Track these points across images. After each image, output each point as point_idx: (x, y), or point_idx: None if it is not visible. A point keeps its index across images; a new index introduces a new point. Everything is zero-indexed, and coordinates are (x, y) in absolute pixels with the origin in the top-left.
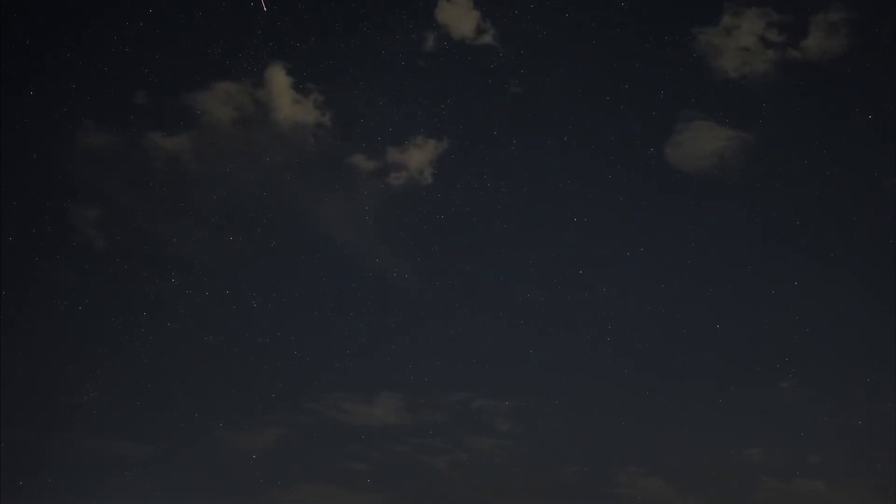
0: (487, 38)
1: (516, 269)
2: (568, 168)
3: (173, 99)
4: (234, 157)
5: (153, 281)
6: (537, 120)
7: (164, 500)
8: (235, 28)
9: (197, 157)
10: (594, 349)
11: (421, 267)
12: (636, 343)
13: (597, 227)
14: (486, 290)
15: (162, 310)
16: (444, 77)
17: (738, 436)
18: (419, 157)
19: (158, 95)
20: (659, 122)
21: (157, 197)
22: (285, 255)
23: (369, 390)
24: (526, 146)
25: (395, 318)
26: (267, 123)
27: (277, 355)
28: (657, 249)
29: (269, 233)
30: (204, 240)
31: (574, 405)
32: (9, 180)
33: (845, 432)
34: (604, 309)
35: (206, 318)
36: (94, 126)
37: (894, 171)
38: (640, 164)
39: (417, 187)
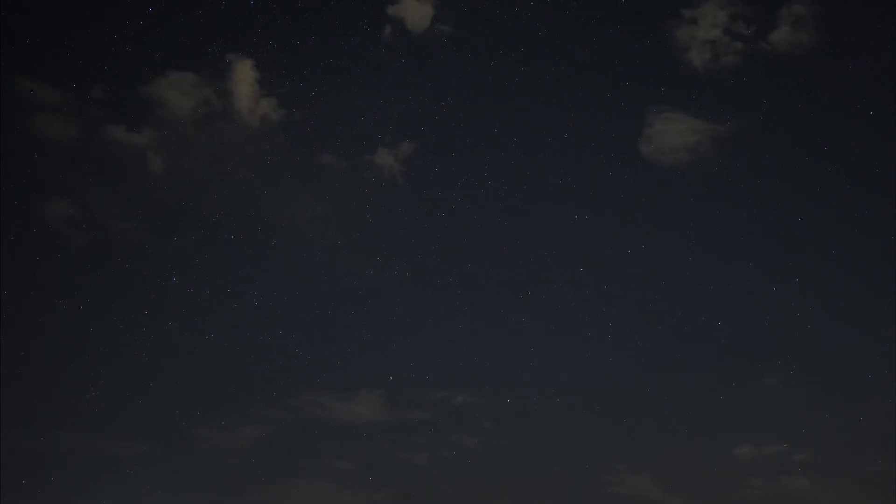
0: (450, 29)
1: (516, 267)
2: (568, 166)
3: (132, 93)
4: (200, 154)
5: (120, 278)
6: (533, 117)
7: (162, 500)
8: (203, 24)
9: (162, 154)
10: (593, 347)
11: (420, 266)
12: (637, 341)
13: (597, 225)
14: (484, 289)
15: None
16: (415, 74)
17: (736, 434)
18: (397, 156)
19: (121, 89)
20: (648, 117)
21: (123, 193)
22: (260, 255)
23: (362, 387)
24: (525, 145)
25: (395, 317)
26: (235, 121)
27: (265, 354)
28: (657, 247)
29: (241, 234)
30: (169, 238)
31: (571, 403)
32: None
33: (845, 430)
34: (604, 307)
35: (192, 319)
36: (52, 119)
37: (877, 163)
38: (633, 162)
39: (403, 185)
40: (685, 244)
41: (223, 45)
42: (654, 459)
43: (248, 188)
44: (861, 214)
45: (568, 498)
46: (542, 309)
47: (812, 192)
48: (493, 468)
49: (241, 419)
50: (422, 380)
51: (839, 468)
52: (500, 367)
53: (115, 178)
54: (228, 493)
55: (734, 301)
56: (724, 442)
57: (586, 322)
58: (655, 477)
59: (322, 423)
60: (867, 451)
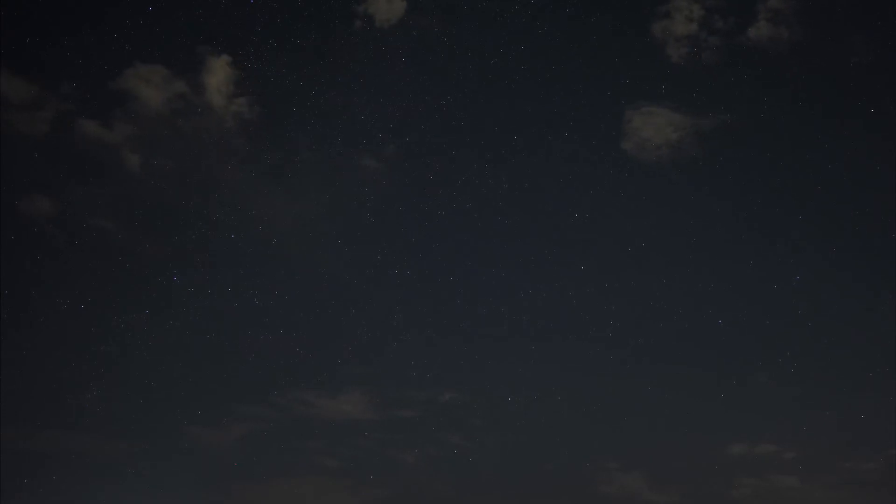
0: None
1: (517, 265)
2: (567, 165)
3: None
4: (176, 150)
5: (116, 278)
6: (527, 115)
7: (156, 498)
8: (181, 19)
9: (137, 150)
10: (593, 346)
11: (419, 265)
12: (637, 339)
13: (597, 224)
14: (483, 288)
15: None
16: (407, 72)
17: (732, 433)
18: (389, 156)
19: (93, 84)
20: (627, 112)
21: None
22: (238, 254)
23: (357, 385)
24: (525, 143)
25: (397, 315)
26: (210, 118)
27: (260, 353)
28: (657, 246)
29: (239, 234)
30: (157, 237)
31: (567, 402)
32: None
33: (841, 429)
34: (605, 306)
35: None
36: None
37: (864, 157)
38: (617, 158)
39: (401, 185)
40: (684, 243)
41: (198, 40)
42: (648, 458)
43: (230, 187)
44: (855, 211)
45: (558, 496)
46: (542, 308)
47: (803, 189)
48: (484, 467)
49: (233, 417)
50: (421, 378)
51: (832, 466)
52: (496, 366)
53: (92, 173)
54: (218, 491)
55: (733, 299)
56: (720, 441)
57: (586, 321)
58: (647, 475)
59: (312, 421)
60: (860, 450)
